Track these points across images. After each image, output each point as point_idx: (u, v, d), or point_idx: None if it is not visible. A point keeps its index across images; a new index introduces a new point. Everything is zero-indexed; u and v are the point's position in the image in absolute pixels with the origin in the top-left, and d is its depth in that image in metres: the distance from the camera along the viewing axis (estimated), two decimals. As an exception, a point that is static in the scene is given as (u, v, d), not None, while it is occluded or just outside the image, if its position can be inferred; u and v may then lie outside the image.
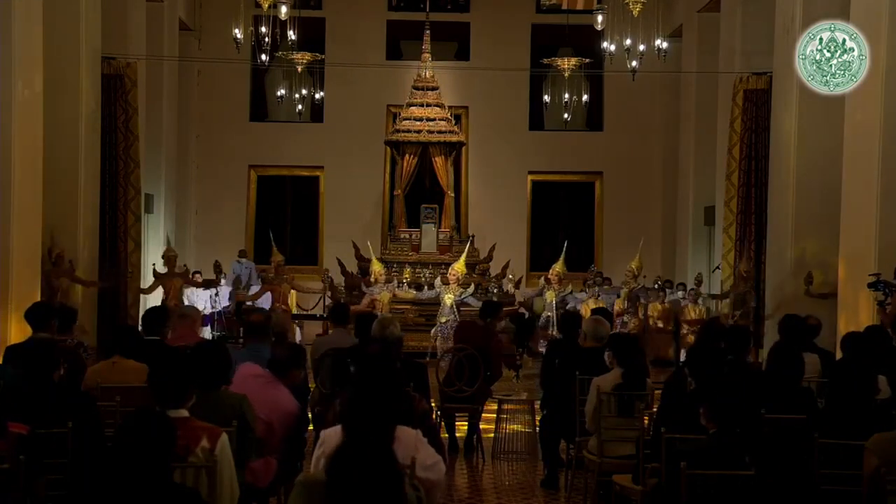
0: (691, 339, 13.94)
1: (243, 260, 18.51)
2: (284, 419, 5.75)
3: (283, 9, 13.59)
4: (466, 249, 15.39)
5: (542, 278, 15.20)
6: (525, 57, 20.69)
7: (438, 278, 14.81)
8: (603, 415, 6.57)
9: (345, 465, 3.42)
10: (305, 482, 3.85)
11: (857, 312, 10.19)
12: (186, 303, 16.46)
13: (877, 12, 9.96)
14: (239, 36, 14.28)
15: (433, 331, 13.75)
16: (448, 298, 13.68)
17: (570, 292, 14.95)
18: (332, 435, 4.27)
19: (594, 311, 10.60)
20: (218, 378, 5.23)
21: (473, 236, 17.12)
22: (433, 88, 17.14)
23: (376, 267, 14.68)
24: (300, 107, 19.46)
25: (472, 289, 14.57)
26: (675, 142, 19.63)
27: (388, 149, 18.28)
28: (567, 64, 16.69)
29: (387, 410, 4.16)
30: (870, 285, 9.61)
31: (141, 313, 11.11)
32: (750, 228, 14.55)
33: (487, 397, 9.19)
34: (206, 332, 15.79)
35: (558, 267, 14.90)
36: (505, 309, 15.33)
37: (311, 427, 7.52)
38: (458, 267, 14.33)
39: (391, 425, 4.17)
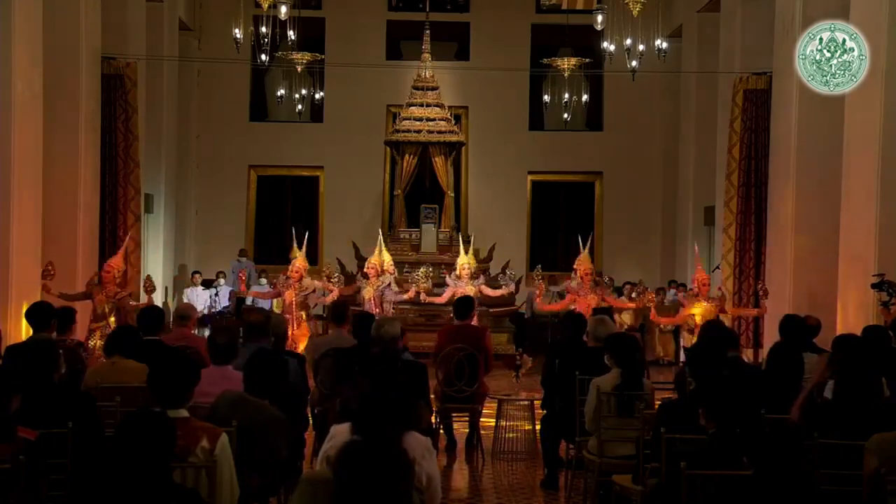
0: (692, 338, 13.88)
1: (243, 259, 18.55)
2: None
3: (283, 9, 13.56)
4: (461, 243, 14.62)
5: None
6: (525, 57, 20.67)
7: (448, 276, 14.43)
8: (603, 415, 6.57)
9: (357, 461, 3.41)
10: (311, 480, 3.84)
11: (856, 312, 10.17)
12: (186, 301, 16.48)
13: (877, 12, 9.96)
14: (239, 36, 14.26)
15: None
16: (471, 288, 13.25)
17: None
18: (342, 431, 4.25)
19: (595, 311, 10.59)
20: (269, 388, 5.23)
21: (473, 236, 17.08)
22: (433, 88, 17.12)
23: (374, 260, 14.28)
24: (300, 107, 19.44)
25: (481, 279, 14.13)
26: (675, 142, 19.63)
27: (388, 149, 18.26)
28: (567, 64, 16.68)
29: (400, 409, 4.15)
30: (873, 286, 9.59)
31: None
32: (750, 228, 14.53)
33: (485, 396, 9.18)
34: (206, 333, 15.78)
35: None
36: (503, 309, 15.38)
37: (311, 427, 7.54)
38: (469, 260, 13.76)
39: (403, 424, 4.16)
